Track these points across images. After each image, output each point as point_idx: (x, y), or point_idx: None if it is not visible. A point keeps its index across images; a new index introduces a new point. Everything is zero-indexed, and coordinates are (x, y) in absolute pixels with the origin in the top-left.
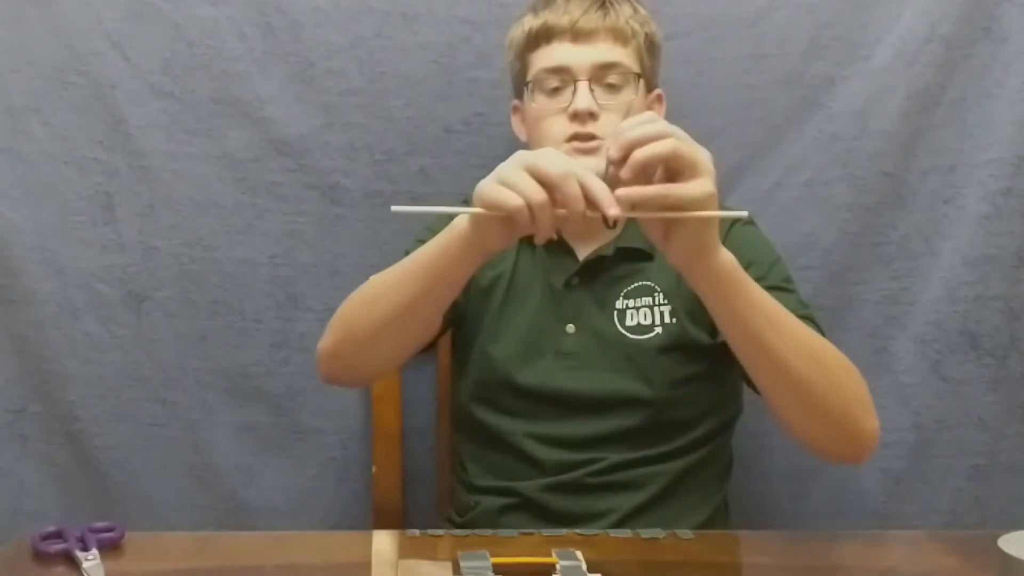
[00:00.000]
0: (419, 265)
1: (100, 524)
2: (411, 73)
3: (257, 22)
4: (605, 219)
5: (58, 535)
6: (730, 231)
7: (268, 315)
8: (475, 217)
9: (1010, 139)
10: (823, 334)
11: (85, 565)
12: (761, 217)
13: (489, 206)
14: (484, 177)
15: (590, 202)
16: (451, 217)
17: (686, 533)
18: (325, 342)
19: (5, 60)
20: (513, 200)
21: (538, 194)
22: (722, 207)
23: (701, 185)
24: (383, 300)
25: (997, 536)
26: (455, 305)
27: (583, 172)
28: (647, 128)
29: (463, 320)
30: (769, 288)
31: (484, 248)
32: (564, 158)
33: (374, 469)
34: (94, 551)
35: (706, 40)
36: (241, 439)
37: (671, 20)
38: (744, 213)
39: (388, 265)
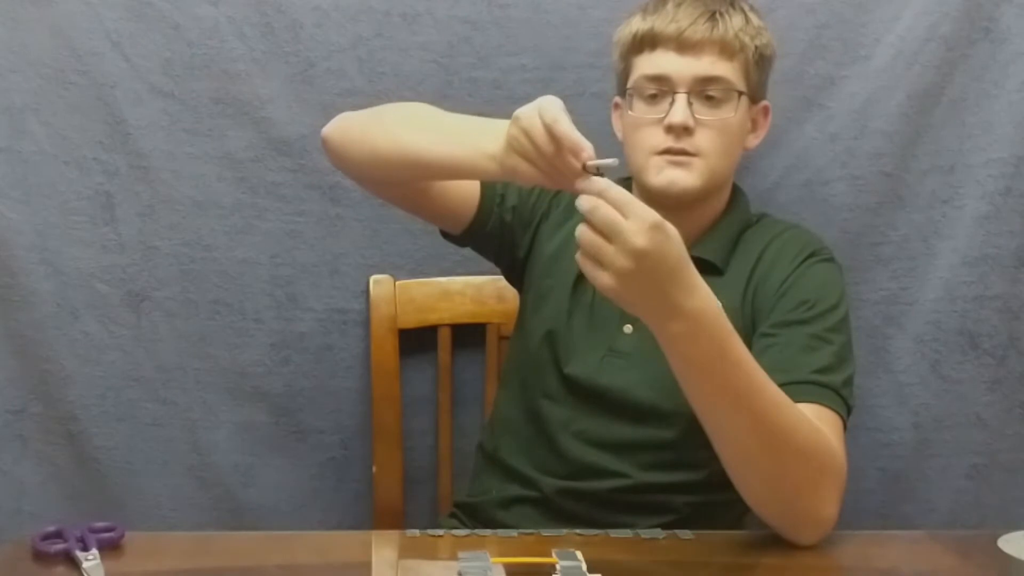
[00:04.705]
0: (448, 138)
1: (100, 524)
2: (411, 73)
3: (257, 22)
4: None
5: (58, 535)
6: (804, 262)
7: (268, 315)
8: (509, 145)
9: (1009, 139)
10: (846, 406)
11: (85, 565)
12: None
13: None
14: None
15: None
16: None
17: (686, 533)
18: (335, 123)
19: (5, 60)
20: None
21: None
22: None
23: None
24: (397, 132)
25: (997, 536)
26: (513, 259)
27: (561, 128)
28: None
29: (531, 285)
30: (808, 335)
31: (511, 176)
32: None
33: (374, 469)
34: (94, 551)
35: None
36: (241, 439)
37: None
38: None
39: (388, 265)
